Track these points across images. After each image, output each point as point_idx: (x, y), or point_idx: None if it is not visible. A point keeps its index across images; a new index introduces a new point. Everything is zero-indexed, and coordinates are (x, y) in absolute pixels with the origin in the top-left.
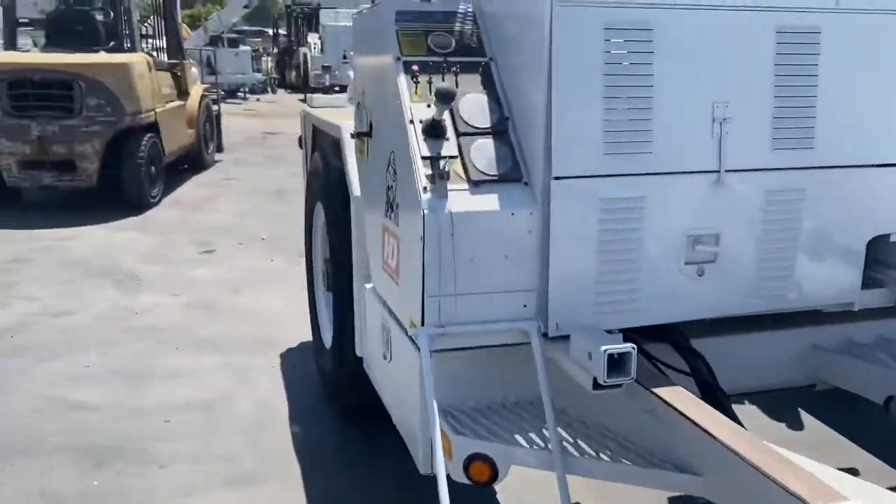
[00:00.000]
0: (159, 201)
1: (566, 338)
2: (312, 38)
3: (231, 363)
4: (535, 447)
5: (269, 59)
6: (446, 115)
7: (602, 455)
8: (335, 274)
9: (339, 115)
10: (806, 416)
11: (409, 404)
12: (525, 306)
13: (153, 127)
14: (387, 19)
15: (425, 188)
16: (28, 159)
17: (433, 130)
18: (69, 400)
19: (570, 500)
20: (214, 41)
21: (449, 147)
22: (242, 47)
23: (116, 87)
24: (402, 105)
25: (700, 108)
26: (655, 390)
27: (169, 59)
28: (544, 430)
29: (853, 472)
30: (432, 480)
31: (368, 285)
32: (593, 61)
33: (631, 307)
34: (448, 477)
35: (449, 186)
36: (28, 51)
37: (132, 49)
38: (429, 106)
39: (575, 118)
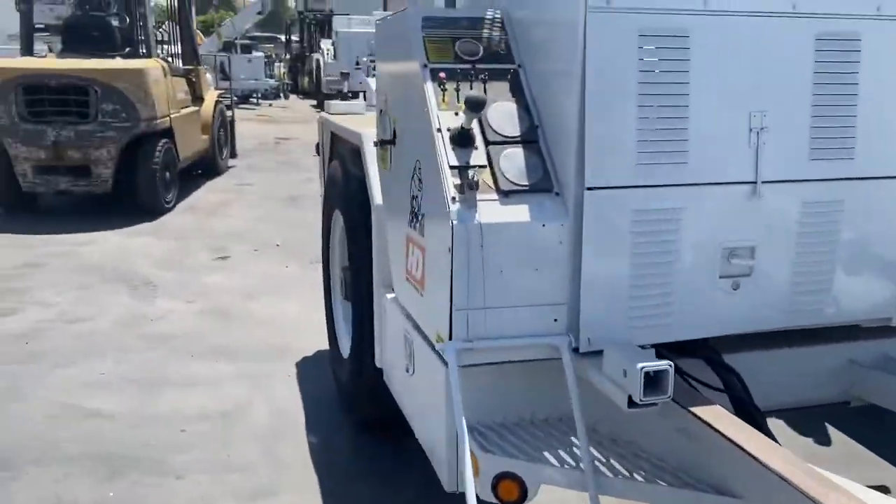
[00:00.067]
0: (173, 207)
1: (597, 353)
2: (325, 44)
3: (246, 371)
4: (565, 466)
5: (282, 64)
6: (474, 124)
7: (636, 475)
8: (354, 282)
9: (359, 122)
10: (833, 431)
11: (433, 419)
12: (556, 320)
13: (168, 132)
14: (413, 25)
15: (454, 198)
16: (43, 164)
17: (462, 139)
18: (84, 407)
19: None
20: (227, 47)
21: (477, 156)
22: (255, 53)
23: (132, 92)
24: (430, 113)
25: (736, 118)
26: (693, 409)
27: (184, 64)
28: (574, 448)
29: (883, 489)
30: (454, 495)
31: (390, 295)
32: (628, 69)
33: (664, 322)
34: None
35: (478, 196)
36: (44, 56)
37: (148, 55)
38: (456, 114)
39: (609, 127)
